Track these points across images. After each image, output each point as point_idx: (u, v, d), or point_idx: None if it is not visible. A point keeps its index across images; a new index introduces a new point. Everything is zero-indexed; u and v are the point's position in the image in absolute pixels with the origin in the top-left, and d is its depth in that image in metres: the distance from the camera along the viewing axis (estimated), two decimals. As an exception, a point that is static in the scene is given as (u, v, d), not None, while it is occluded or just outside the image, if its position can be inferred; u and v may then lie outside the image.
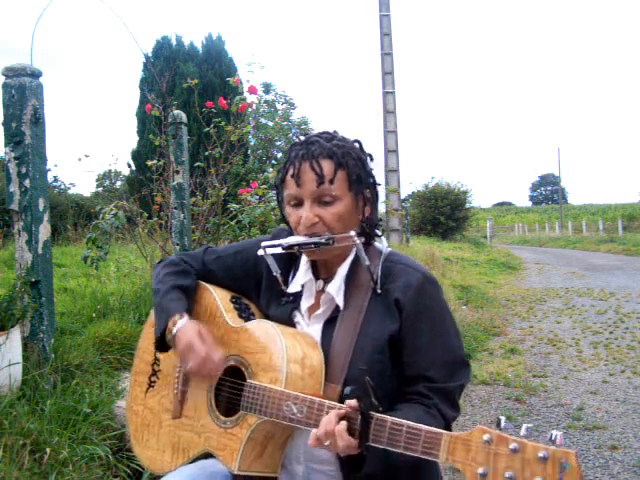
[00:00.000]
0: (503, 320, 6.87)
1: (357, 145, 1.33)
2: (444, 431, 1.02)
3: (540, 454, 0.90)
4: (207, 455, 1.31)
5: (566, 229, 38.30)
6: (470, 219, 25.89)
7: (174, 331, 1.30)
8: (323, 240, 1.25)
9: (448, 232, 23.67)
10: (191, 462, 1.33)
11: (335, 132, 1.34)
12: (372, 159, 1.35)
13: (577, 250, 23.45)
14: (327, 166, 1.24)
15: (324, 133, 1.32)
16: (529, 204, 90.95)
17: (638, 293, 9.06)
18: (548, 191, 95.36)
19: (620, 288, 9.76)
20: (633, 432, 3.26)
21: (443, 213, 23.63)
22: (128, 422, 1.52)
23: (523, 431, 0.94)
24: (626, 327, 6.32)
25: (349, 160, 1.26)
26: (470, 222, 26.46)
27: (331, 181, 1.24)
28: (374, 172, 1.35)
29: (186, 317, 1.33)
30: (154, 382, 1.47)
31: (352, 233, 1.24)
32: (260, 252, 1.35)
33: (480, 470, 0.95)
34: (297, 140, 1.31)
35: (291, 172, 1.26)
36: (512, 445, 0.93)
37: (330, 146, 1.26)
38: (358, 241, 1.25)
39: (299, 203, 1.27)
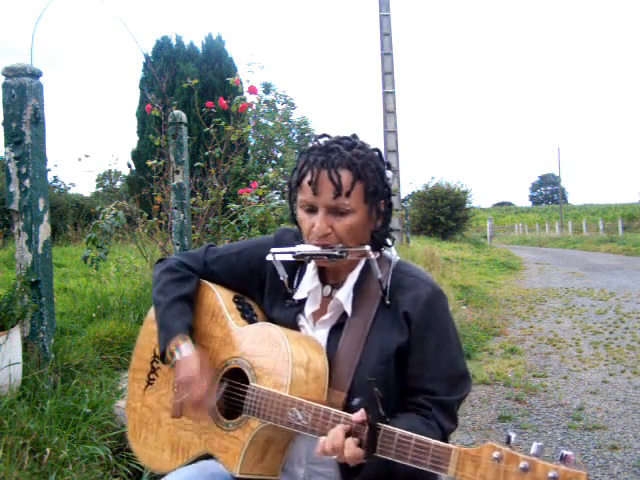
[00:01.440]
0: (503, 320, 6.87)
1: (376, 154, 1.30)
2: (453, 446, 1.02)
3: (550, 474, 0.89)
4: (207, 456, 1.31)
5: (566, 229, 38.29)
6: (470, 219, 25.88)
7: (176, 357, 1.30)
8: (337, 252, 1.23)
9: (448, 232, 23.67)
10: (191, 462, 1.33)
11: (355, 137, 1.30)
12: (390, 167, 1.33)
13: (577, 250, 23.45)
14: (346, 177, 1.22)
15: (344, 139, 1.28)
16: (529, 204, 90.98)
17: (638, 293, 9.05)
18: (548, 191, 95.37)
19: (620, 288, 9.76)
20: (633, 432, 3.26)
21: (443, 213, 23.62)
22: (126, 419, 1.51)
23: (533, 449, 0.93)
24: (626, 327, 6.32)
25: (368, 172, 1.24)
26: (470, 222, 26.45)
27: (348, 194, 1.22)
28: (390, 181, 1.33)
29: (188, 343, 1.32)
30: (153, 380, 1.46)
31: (367, 248, 1.24)
32: (269, 257, 1.34)
33: None
34: (317, 143, 1.28)
35: (308, 178, 1.23)
36: (522, 464, 0.92)
37: (350, 155, 1.23)
38: (373, 256, 1.25)
39: (313, 210, 1.26)
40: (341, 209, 1.23)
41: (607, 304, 8.05)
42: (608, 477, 2.73)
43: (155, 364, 1.47)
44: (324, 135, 1.31)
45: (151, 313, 1.50)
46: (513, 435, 0.96)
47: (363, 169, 1.23)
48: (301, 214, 1.29)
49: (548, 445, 3.10)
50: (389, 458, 1.06)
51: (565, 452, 0.91)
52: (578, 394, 4.00)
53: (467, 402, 3.78)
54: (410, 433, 1.05)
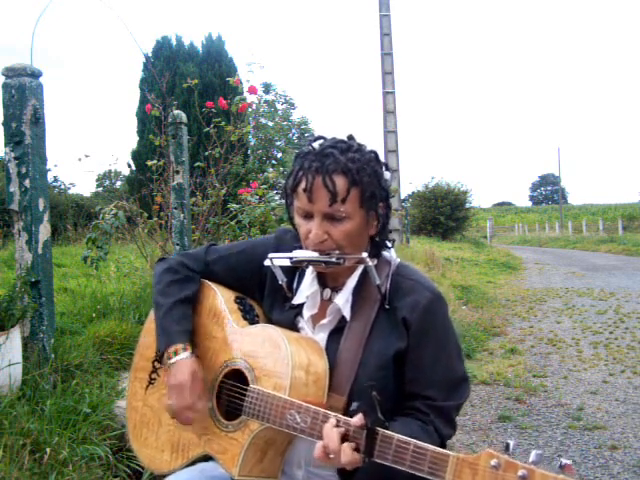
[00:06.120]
0: (503, 320, 6.87)
1: (373, 156, 1.27)
2: (451, 452, 1.00)
3: None
4: (207, 457, 1.31)
5: (566, 229, 38.28)
6: (470, 219, 25.92)
7: (172, 361, 1.30)
8: (334, 259, 1.22)
9: (448, 232, 23.69)
10: (190, 463, 1.33)
11: (351, 139, 1.28)
12: (388, 168, 1.31)
13: (577, 250, 23.44)
14: (341, 183, 1.19)
15: (340, 142, 1.25)
16: (529, 204, 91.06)
17: (638, 293, 9.05)
18: (548, 191, 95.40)
19: (620, 288, 9.76)
20: (633, 432, 3.26)
21: (443, 213, 23.64)
22: (127, 418, 1.51)
23: (532, 457, 0.91)
24: (626, 327, 6.31)
25: (364, 177, 1.21)
26: (470, 222, 26.49)
27: (343, 200, 1.20)
28: (388, 183, 1.30)
29: (188, 352, 1.32)
30: (154, 379, 1.46)
31: (364, 255, 1.23)
32: (267, 263, 1.33)
33: None
34: (311, 148, 1.25)
35: (303, 185, 1.21)
36: (520, 472, 0.90)
37: (345, 161, 1.20)
38: (370, 263, 1.24)
39: (309, 216, 1.24)
40: (337, 216, 1.21)
41: (607, 304, 8.05)
42: (608, 477, 2.72)
43: (157, 363, 1.47)
44: (320, 137, 1.29)
45: (153, 313, 1.50)
46: (512, 442, 0.95)
47: (359, 174, 1.20)
48: (298, 219, 1.28)
49: (548, 445, 3.10)
50: (386, 463, 1.05)
51: (564, 461, 0.89)
52: (578, 394, 4.00)
53: (467, 402, 3.77)
54: (408, 438, 1.04)
